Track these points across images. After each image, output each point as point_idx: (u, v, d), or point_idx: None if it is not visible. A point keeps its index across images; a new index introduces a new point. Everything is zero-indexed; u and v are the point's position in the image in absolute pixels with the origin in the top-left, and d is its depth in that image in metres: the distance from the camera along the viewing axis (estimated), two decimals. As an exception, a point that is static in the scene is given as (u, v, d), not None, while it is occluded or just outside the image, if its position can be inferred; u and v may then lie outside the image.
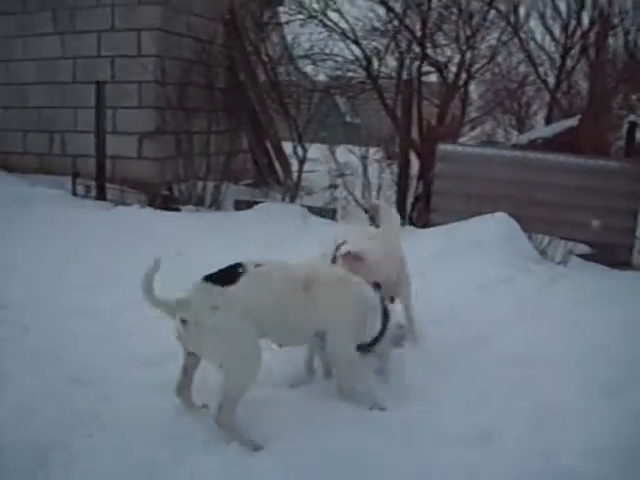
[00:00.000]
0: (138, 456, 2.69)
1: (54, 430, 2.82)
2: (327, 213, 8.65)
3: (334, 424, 3.03)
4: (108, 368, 3.43)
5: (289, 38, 11.44)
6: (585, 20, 12.09)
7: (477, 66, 10.86)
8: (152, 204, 8.88)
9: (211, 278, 2.94)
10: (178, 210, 8.79)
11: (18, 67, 11.20)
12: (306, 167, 9.77)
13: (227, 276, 2.93)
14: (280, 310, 3.02)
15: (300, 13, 10.48)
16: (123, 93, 10.17)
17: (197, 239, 6.67)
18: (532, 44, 12.82)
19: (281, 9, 11.76)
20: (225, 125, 10.61)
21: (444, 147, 8.36)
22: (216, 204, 9.36)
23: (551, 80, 12.71)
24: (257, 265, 3.02)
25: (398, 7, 10.31)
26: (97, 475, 2.60)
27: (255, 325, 2.93)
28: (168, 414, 3.03)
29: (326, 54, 10.54)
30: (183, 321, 2.89)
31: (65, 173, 10.42)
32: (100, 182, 9.53)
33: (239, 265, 3.00)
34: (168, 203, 8.94)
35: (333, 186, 9.56)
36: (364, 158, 9.32)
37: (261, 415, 3.05)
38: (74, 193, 9.61)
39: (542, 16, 12.83)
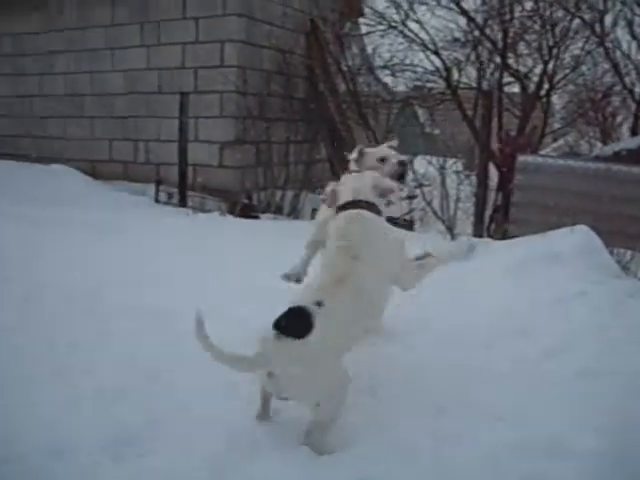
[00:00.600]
0: (205, 456, 2.76)
1: (126, 427, 2.93)
2: (403, 224, 8.74)
3: (415, 436, 2.99)
4: (177, 366, 3.49)
5: (369, 49, 11.63)
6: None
7: (560, 76, 10.77)
8: (232, 212, 9.16)
9: (284, 329, 2.76)
10: (257, 218, 9.05)
11: (106, 78, 11.77)
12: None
13: (301, 325, 2.78)
14: (354, 324, 3.02)
15: (380, 24, 10.63)
16: (205, 103, 10.55)
17: (276, 247, 6.83)
18: (618, 53, 12.59)
19: (361, 20, 11.95)
20: (304, 135, 10.87)
21: (524, 158, 8.34)
22: (294, 213, 9.58)
23: (638, 90, 12.44)
24: (317, 303, 2.84)
25: (479, 17, 10.35)
26: (164, 472, 2.68)
27: (339, 353, 2.92)
28: (236, 415, 3.09)
29: (406, 65, 10.66)
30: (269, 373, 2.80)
31: (148, 180, 10.89)
32: (182, 189, 9.91)
33: (302, 309, 2.83)
34: (247, 211, 9.21)
35: (411, 197, 9.63)
36: (442, 169, 9.36)
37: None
38: (157, 200, 10.02)
39: (630, 24, 12.58)
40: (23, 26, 12.83)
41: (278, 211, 9.60)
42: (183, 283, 4.89)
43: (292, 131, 10.50)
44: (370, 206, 3.24)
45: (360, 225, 3.15)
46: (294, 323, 2.78)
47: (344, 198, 3.28)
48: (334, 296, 2.91)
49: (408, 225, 8.85)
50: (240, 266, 5.48)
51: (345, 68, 11.03)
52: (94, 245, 6.16)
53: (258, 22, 10.70)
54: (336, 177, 11.53)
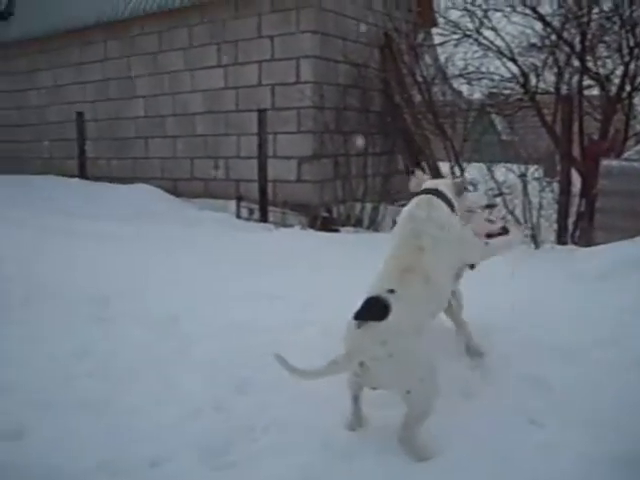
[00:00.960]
0: (298, 461, 2.87)
1: (219, 435, 3.08)
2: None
3: (513, 449, 2.99)
4: (267, 378, 3.57)
5: (442, 58, 11.66)
6: None
7: (642, 77, 10.54)
8: (312, 225, 9.33)
9: (364, 316, 2.94)
10: (337, 231, 9.19)
11: (186, 98, 12.19)
12: (463, 187, 9.85)
13: (378, 309, 2.95)
14: (424, 310, 3.18)
15: (455, 33, 10.64)
16: (283, 119, 10.80)
17: (358, 260, 6.94)
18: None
19: (434, 30, 12.00)
20: (381, 147, 10.98)
21: (608, 163, 8.20)
22: (374, 225, 9.67)
23: None
24: (389, 291, 3.02)
25: (556, 21, 10.24)
26: (260, 477, 2.81)
27: (418, 336, 3.03)
28: (328, 420, 3.19)
29: (481, 72, 10.62)
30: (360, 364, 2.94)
31: (229, 197, 11.21)
32: (262, 205, 10.16)
33: (377, 297, 3.01)
34: (328, 224, 9.36)
35: (491, 205, 9.59)
36: (523, 176, 9.28)
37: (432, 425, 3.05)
38: (238, 216, 10.30)
39: None
40: (106, 53, 13.44)
41: (358, 224, 9.72)
42: (283, 298, 5.01)
43: (369, 143, 10.62)
44: (442, 196, 3.50)
45: (427, 208, 3.40)
46: (372, 309, 2.96)
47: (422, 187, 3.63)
48: (403, 283, 3.10)
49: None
50: (331, 279, 5.58)
51: (420, 79, 11.10)
52: (181, 262, 6.39)
53: (332, 37, 10.90)
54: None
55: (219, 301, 4.96)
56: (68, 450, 2.94)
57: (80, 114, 12.79)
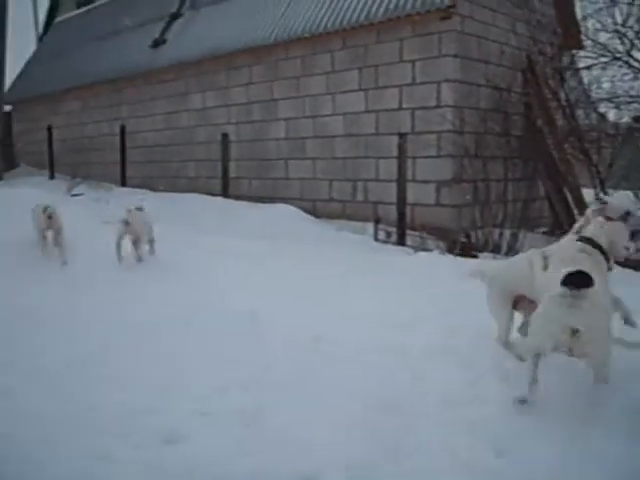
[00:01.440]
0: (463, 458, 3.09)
1: (366, 455, 3.19)
2: (635, 264, 8.40)
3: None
4: (413, 401, 3.73)
5: (586, 80, 11.39)
6: None
7: None
8: (451, 250, 9.34)
9: (574, 283, 3.28)
10: (476, 257, 9.16)
11: (327, 121, 12.55)
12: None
13: (586, 278, 3.29)
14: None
15: (603, 55, 10.39)
16: (422, 143, 10.88)
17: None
18: None
19: (579, 52, 11.74)
20: (521, 172, 10.84)
21: None
22: (513, 251, 9.55)
23: None
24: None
25: None
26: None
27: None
28: (473, 446, 3.27)
29: (631, 96, 10.31)
30: (574, 331, 3.27)
31: (366, 219, 11.40)
32: (400, 228, 10.27)
33: (579, 270, 3.35)
34: (466, 250, 9.34)
35: (638, 232, 9.24)
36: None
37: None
38: (376, 238, 10.47)
39: None
40: (251, 77, 14.06)
41: (496, 250, 9.63)
42: (425, 321, 5.14)
43: (509, 168, 10.52)
44: (598, 247, 3.90)
45: (588, 257, 3.80)
46: (580, 277, 3.30)
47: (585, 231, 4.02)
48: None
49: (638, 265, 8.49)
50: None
51: (564, 103, 10.89)
52: (320, 280, 6.63)
53: (474, 61, 10.91)
54: (554, 215, 11.29)
55: (360, 323, 5.12)
56: (219, 457, 3.15)
57: (225, 135, 13.41)
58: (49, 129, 19.75)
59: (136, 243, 7.15)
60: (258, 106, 14.05)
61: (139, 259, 7.14)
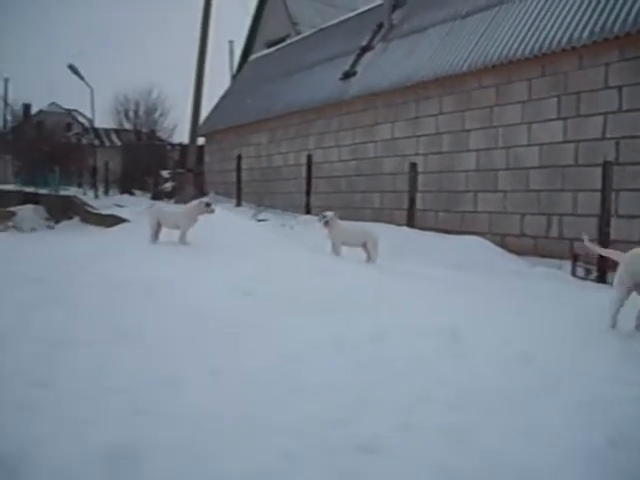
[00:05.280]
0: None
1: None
2: None
3: None
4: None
5: None
6: None
7: None
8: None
9: None
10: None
11: (521, 152, 12.25)
12: None
13: None
14: None
15: None
16: (629, 175, 10.30)
17: None
18: None
19: None
20: None
21: None
22: None
23: None
24: None
25: None
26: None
27: None
28: None
29: None
30: None
31: (560, 256, 10.91)
32: (601, 265, 9.71)
33: None
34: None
35: None
36: None
37: None
38: (573, 274, 9.99)
39: None
40: (441, 107, 14.09)
41: None
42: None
43: None
44: None
45: None
46: None
47: None
48: None
49: None
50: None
51: None
52: (518, 315, 6.40)
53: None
54: None
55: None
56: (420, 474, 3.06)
57: (414, 165, 13.46)
58: (238, 158, 20.84)
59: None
60: (448, 137, 14.03)
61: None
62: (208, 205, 9.33)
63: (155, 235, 9.34)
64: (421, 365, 4.46)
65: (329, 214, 9.26)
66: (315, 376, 4.22)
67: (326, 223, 9.11)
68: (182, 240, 9.12)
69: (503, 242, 12.29)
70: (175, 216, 9.46)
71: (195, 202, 9.65)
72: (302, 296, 6.29)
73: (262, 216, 16.42)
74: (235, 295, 6.21)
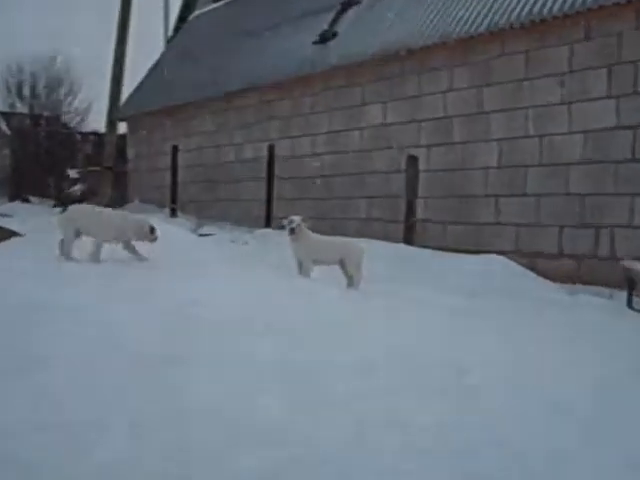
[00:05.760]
0: None
1: None
2: None
3: None
4: None
5: None
6: None
7: None
8: None
9: None
10: None
11: (560, 143, 12.37)
12: None
13: None
14: None
15: None
16: None
17: None
18: None
19: None
20: None
21: None
22: None
23: None
24: None
25: None
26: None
27: None
28: None
29: None
30: None
31: (612, 283, 10.95)
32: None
33: None
34: None
35: None
36: None
37: None
38: (629, 306, 10.05)
39: None
40: (450, 82, 14.19)
41: None
42: None
43: None
44: None
45: None
46: None
47: None
48: None
49: None
50: None
51: None
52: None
53: None
54: None
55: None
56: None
57: (414, 160, 13.48)
58: (174, 152, 20.82)
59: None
60: (460, 122, 14.13)
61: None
62: (152, 231, 9.47)
63: (69, 247, 9.34)
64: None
65: (296, 218, 9.33)
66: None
67: (292, 231, 9.19)
68: (95, 256, 9.14)
69: (534, 264, 12.34)
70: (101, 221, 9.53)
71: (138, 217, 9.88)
72: (255, 328, 6.30)
73: (205, 230, 16.38)
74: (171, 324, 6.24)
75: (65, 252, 9.25)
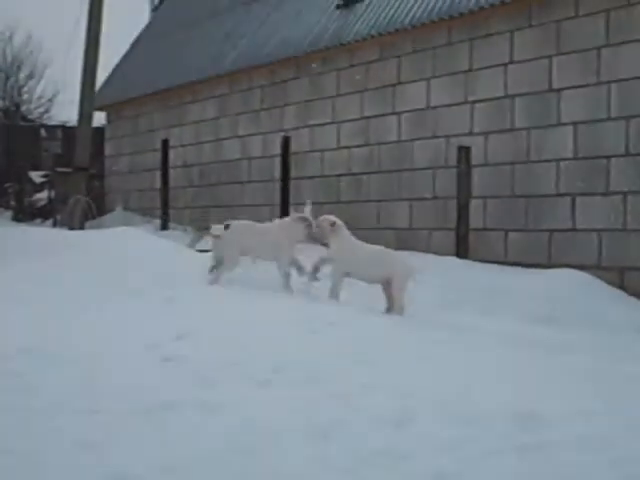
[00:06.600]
0: None
1: None
2: None
3: None
4: None
5: None
6: None
7: None
8: None
9: None
10: None
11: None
12: None
13: None
14: None
15: None
16: None
17: None
18: None
19: None
20: None
21: None
22: None
23: None
24: None
25: None
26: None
27: None
28: None
29: None
30: None
31: None
32: None
33: None
34: None
35: None
36: None
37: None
38: None
39: None
40: (511, 53, 14.14)
41: None
42: None
43: None
44: None
45: None
46: None
47: None
48: None
49: None
50: None
51: None
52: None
53: None
54: None
55: None
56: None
57: (466, 152, 13.35)
58: (164, 147, 20.86)
59: None
60: (523, 102, 14.03)
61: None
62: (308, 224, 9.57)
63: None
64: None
65: (330, 218, 9.33)
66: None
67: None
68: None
69: (622, 280, 12.27)
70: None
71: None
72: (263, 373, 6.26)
73: (204, 244, 16.32)
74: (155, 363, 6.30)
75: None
